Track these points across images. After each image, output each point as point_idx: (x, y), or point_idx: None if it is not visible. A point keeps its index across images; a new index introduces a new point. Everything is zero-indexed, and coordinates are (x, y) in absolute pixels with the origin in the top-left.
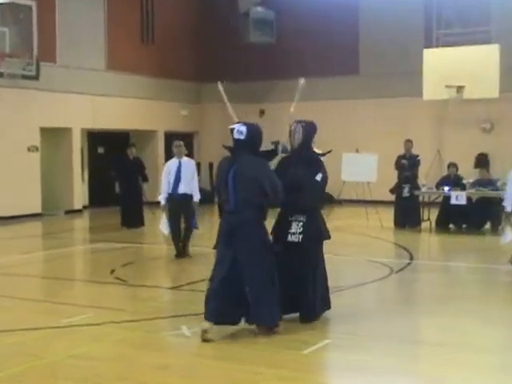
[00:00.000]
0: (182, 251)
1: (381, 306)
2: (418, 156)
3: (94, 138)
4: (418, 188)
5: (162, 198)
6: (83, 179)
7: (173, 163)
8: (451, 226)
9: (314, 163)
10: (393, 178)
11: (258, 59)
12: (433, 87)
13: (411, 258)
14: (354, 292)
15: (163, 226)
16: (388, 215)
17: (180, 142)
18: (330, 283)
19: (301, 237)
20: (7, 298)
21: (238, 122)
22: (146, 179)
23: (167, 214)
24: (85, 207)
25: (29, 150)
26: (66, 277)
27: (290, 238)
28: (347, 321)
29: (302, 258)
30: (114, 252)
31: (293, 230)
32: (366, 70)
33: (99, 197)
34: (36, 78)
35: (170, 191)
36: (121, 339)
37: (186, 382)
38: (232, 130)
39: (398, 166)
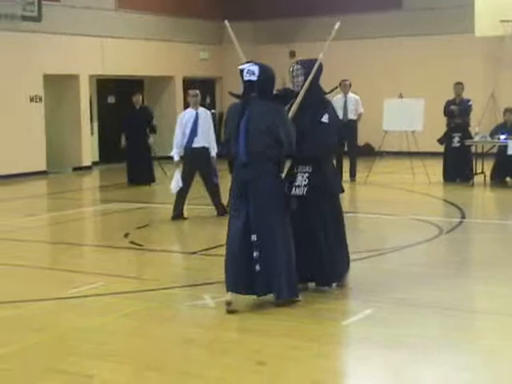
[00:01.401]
0: (181, 213)
1: (428, 271)
2: (469, 101)
3: (104, 85)
4: (470, 137)
5: (174, 153)
6: (92, 132)
7: (188, 114)
8: (508, 179)
9: (320, 104)
10: (441, 126)
11: None
12: (486, 22)
13: (463, 217)
14: (398, 255)
15: (174, 184)
16: (436, 168)
17: (196, 90)
18: (372, 245)
19: (305, 189)
20: (10, 266)
21: (248, 62)
22: (153, 131)
23: (181, 170)
24: (94, 163)
25: (31, 99)
26: (74, 241)
27: (295, 192)
28: (391, 287)
29: (308, 214)
30: (127, 213)
31: (298, 183)
32: (410, 4)
33: (110, 152)
34: (38, 19)
35: (186, 145)
36: (136, 311)
37: (213, 359)
38: (241, 71)
39: (447, 112)
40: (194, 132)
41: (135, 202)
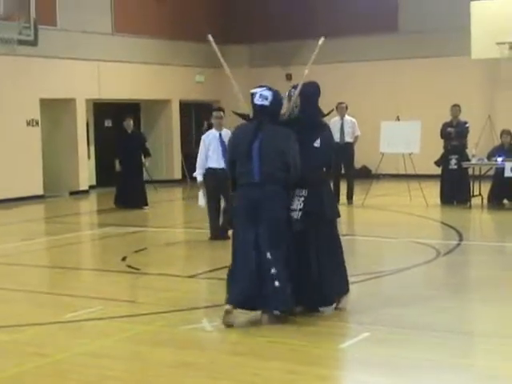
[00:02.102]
0: (218, 234)
1: (427, 293)
2: (466, 123)
3: (101, 109)
4: (467, 159)
5: (198, 174)
6: (89, 156)
7: (212, 136)
8: (505, 201)
9: (315, 128)
10: (438, 148)
11: (283, 16)
12: (482, 45)
13: (460, 239)
14: (396, 277)
15: (200, 199)
16: (433, 191)
17: (220, 112)
18: (370, 268)
19: (300, 214)
20: (7, 290)
21: (261, 86)
22: (147, 154)
23: (205, 191)
24: (91, 187)
25: (28, 124)
26: (71, 266)
27: (292, 216)
28: (389, 310)
29: (303, 238)
30: (124, 237)
31: (294, 207)
32: (406, 26)
33: (107, 176)
34: (34, 43)
35: (208, 165)
36: (134, 335)
37: (211, 383)
38: (253, 94)
39: (444, 134)
40: (216, 153)
41: (132, 225)
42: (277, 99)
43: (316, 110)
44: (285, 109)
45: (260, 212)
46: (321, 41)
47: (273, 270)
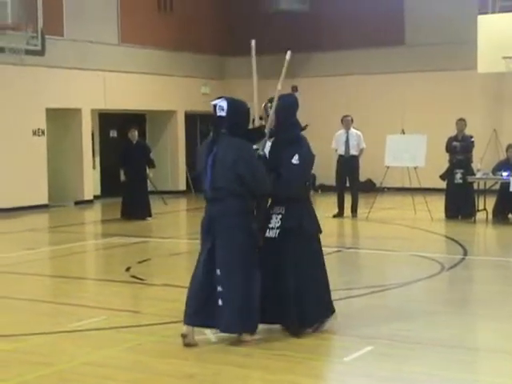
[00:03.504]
0: None
1: (430, 308)
2: (471, 137)
3: (106, 119)
4: (472, 173)
5: None
6: (94, 166)
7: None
8: (510, 216)
9: (294, 143)
10: (443, 162)
11: (288, 29)
12: (488, 59)
13: (465, 253)
14: (400, 292)
15: None
16: (438, 205)
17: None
18: (374, 282)
19: (277, 232)
20: (11, 299)
21: (220, 97)
22: (152, 165)
23: None
24: (96, 197)
25: (34, 133)
26: (75, 275)
27: (268, 234)
28: (392, 324)
29: (278, 256)
30: (129, 247)
31: (271, 225)
32: (412, 40)
33: (112, 186)
34: (41, 53)
35: None
36: (137, 345)
37: None
38: (214, 106)
39: (450, 148)
40: None
41: (136, 236)
42: (235, 109)
43: (293, 124)
44: (264, 122)
45: (214, 229)
46: (288, 55)
47: (219, 288)
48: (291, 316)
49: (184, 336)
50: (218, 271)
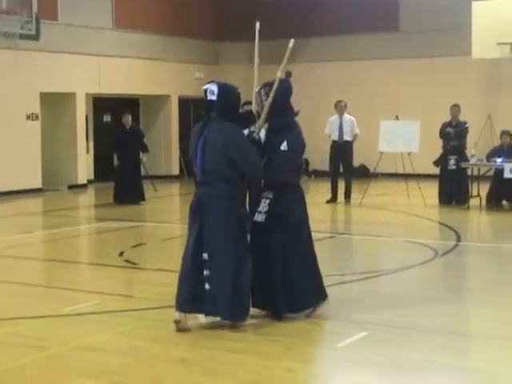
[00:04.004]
0: None
1: (424, 293)
2: (465, 123)
3: (100, 104)
4: (466, 160)
5: None
6: (88, 151)
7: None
8: (504, 202)
9: (284, 129)
10: (437, 148)
11: (283, 14)
12: (483, 45)
13: (458, 240)
14: (393, 278)
15: None
16: (432, 191)
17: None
18: (367, 268)
19: (264, 216)
20: (4, 282)
21: (211, 82)
22: (145, 149)
23: None
24: (90, 182)
25: (28, 117)
26: (69, 259)
27: (256, 218)
28: (386, 310)
29: (266, 242)
30: (122, 232)
31: (259, 209)
32: (407, 26)
33: (105, 170)
34: (35, 37)
35: None
36: (131, 329)
37: (207, 379)
38: (205, 90)
39: (444, 134)
40: None
41: (130, 220)
42: (226, 93)
43: (285, 111)
44: (258, 107)
45: (203, 212)
46: (291, 43)
47: (205, 272)
48: (277, 302)
49: (177, 322)
50: (206, 255)
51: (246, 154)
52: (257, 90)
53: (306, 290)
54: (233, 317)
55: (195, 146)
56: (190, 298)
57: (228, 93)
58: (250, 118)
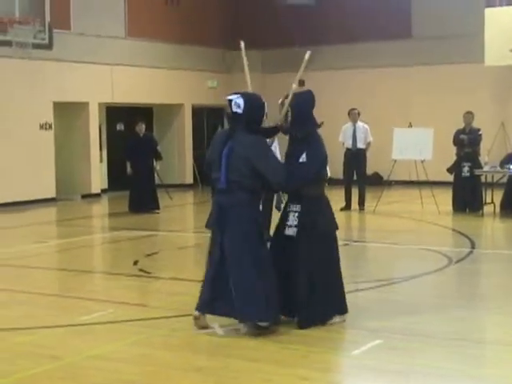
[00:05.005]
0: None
1: (438, 301)
2: (479, 130)
3: (113, 113)
4: (479, 167)
5: None
6: (101, 160)
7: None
8: None
9: (304, 140)
10: (451, 155)
11: (296, 23)
12: (496, 52)
13: (473, 247)
14: (408, 285)
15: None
16: (446, 198)
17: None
18: (381, 275)
19: (295, 230)
20: (19, 292)
21: (236, 93)
22: (159, 157)
23: None
24: (103, 191)
25: (41, 127)
26: (83, 269)
27: (287, 232)
28: (401, 318)
29: (294, 254)
30: (136, 241)
31: (289, 222)
32: (419, 33)
33: (119, 179)
34: (49, 46)
35: None
36: (145, 339)
37: None
38: (230, 101)
39: (457, 141)
40: None
41: (144, 229)
42: (251, 106)
43: (306, 122)
44: (278, 119)
45: (226, 219)
46: (307, 55)
47: (227, 276)
48: (302, 313)
49: (196, 318)
50: (228, 261)
51: (273, 167)
52: (280, 101)
53: (326, 303)
54: (256, 318)
55: (219, 153)
56: (211, 300)
57: (253, 106)
58: (273, 130)
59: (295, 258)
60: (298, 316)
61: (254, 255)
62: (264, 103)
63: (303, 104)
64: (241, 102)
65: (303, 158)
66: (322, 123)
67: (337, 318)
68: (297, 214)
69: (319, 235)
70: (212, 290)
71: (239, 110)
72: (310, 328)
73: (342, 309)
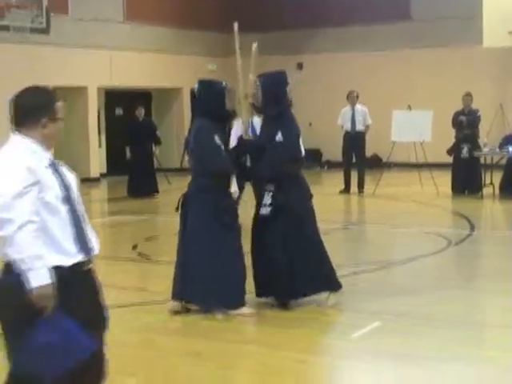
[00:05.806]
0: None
1: (437, 283)
2: (478, 111)
3: (112, 97)
4: (478, 148)
5: None
6: (100, 144)
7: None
8: None
9: (277, 120)
10: (450, 137)
11: (294, 5)
12: (494, 33)
13: (472, 229)
14: (407, 267)
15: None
16: (445, 180)
17: None
18: (380, 257)
19: (270, 209)
20: None
21: (201, 80)
22: (158, 142)
23: None
24: (102, 175)
25: None
26: None
27: (262, 211)
28: (400, 300)
29: (268, 233)
30: (135, 225)
31: (264, 201)
32: (418, 15)
33: (118, 164)
34: (46, 31)
35: None
36: (145, 323)
37: (221, 372)
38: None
39: (456, 123)
40: None
41: (143, 213)
42: (203, 92)
43: (278, 102)
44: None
45: (187, 205)
46: (254, 46)
47: (189, 263)
48: (280, 288)
49: (171, 312)
50: (186, 246)
51: (204, 151)
52: (254, 81)
53: (310, 278)
54: (206, 304)
55: (186, 140)
56: (180, 288)
57: (206, 91)
58: (228, 114)
59: (269, 237)
60: (277, 292)
61: (211, 243)
62: (222, 88)
63: (274, 84)
64: (196, 87)
65: (279, 136)
66: (291, 102)
67: (331, 298)
68: (270, 194)
69: (293, 214)
70: (178, 277)
71: (196, 97)
72: (291, 306)
73: (332, 286)
